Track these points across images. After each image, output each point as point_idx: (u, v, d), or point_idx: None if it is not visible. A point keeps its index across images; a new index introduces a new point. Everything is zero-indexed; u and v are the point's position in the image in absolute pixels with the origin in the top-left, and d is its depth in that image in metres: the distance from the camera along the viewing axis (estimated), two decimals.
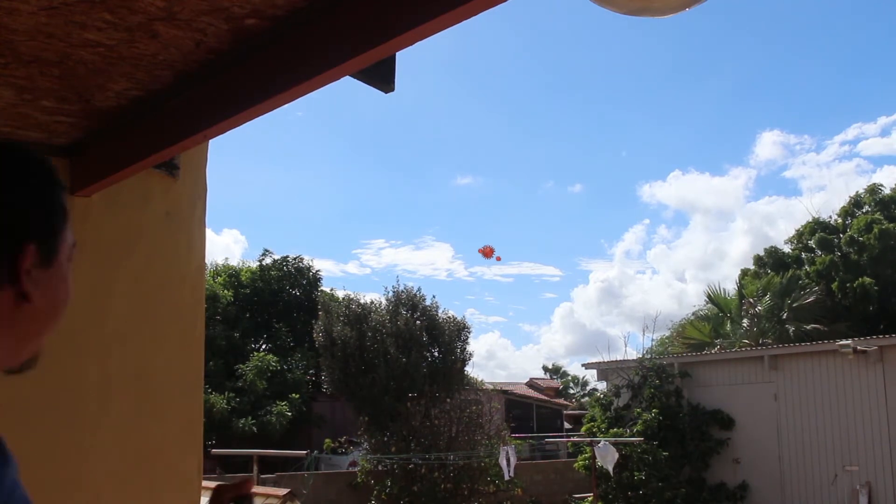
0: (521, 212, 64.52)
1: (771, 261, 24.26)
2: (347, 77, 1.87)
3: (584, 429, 16.59)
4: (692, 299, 67.14)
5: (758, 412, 14.80)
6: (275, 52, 1.86)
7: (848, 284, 21.17)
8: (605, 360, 17.21)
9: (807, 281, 21.19)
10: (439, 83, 61.15)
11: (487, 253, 17.82)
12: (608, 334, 78.24)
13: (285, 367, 23.34)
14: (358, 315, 17.06)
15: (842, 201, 24.42)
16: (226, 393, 21.33)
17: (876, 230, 21.41)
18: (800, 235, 24.66)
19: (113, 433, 2.58)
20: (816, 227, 24.13)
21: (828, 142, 53.80)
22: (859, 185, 43.58)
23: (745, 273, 24.81)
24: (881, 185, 23.60)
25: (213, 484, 1.55)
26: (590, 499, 14.54)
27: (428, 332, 17.22)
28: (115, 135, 2.45)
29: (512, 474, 14.30)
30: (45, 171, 0.99)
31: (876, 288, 20.96)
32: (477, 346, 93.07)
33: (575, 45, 68.33)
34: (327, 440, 21.45)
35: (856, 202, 24.01)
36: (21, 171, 0.97)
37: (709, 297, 21.54)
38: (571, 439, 19.27)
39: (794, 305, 19.68)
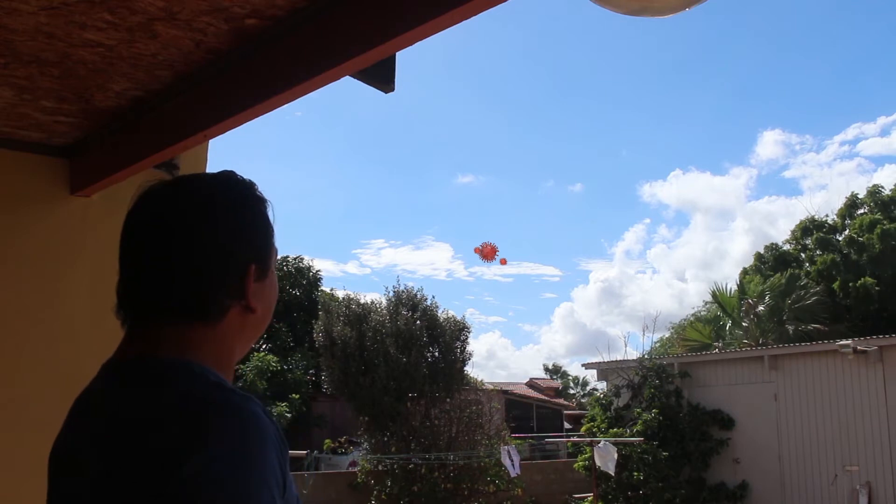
0: (521, 211, 64.55)
1: (772, 258, 24.30)
2: (347, 77, 1.87)
3: (584, 429, 16.58)
4: (692, 299, 67.16)
5: (758, 412, 14.79)
6: (275, 52, 1.86)
7: (850, 284, 21.19)
8: (605, 360, 17.19)
9: (807, 281, 21.20)
10: (439, 83, 61.22)
11: (488, 254, 17.28)
12: (608, 334, 78.22)
13: (285, 367, 23.33)
14: (358, 315, 17.03)
15: (842, 201, 24.50)
16: None
17: (878, 230, 21.46)
18: (796, 235, 24.70)
19: None
20: (811, 226, 24.17)
21: (828, 141, 53.87)
22: (860, 185, 43.69)
23: (745, 272, 24.83)
24: (881, 187, 23.67)
25: None
26: (590, 499, 14.53)
27: (428, 332, 17.19)
28: (115, 135, 2.45)
29: (518, 472, 14.27)
30: (256, 194, 1.09)
31: (877, 288, 20.98)
32: (477, 346, 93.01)
33: (575, 45, 68.38)
34: (327, 440, 21.43)
35: (852, 202, 24.04)
36: (241, 200, 1.07)
37: (713, 295, 21.53)
38: (571, 439, 19.26)
39: (795, 305, 19.68)
